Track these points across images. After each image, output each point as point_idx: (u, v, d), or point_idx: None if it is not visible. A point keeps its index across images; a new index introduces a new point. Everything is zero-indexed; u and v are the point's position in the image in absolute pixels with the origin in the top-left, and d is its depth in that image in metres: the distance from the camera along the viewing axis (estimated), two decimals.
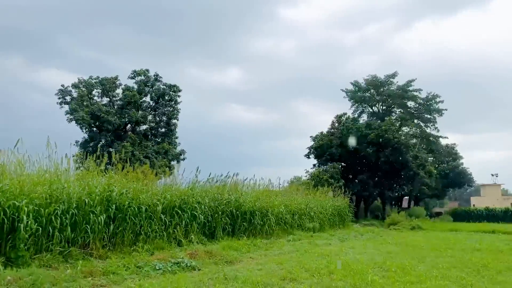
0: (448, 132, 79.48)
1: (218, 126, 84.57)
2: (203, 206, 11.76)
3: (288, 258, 9.84)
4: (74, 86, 30.81)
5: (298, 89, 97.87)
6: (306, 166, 52.86)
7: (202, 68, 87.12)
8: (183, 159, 32.89)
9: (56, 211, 7.88)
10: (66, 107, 29.86)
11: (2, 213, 7.11)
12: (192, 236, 10.98)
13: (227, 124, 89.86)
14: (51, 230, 7.68)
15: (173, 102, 33.25)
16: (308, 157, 33.93)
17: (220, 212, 12.44)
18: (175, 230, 10.67)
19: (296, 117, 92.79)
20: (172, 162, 31.45)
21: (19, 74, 66.58)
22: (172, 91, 32.99)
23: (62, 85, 30.69)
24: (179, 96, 33.39)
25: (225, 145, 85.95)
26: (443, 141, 40.80)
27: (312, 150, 33.36)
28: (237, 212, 13.17)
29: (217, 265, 8.54)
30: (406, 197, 40.84)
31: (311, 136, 34.04)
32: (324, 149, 31.98)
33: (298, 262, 9.08)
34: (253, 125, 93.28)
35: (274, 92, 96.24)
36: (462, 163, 43.93)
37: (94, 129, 30.56)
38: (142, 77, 32.58)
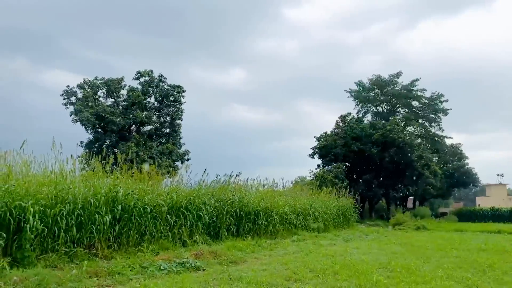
0: (453, 132, 79.23)
1: (222, 126, 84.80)
2: (208, 207, 11.79)
3: (293, 258, 9.83)
4: (79, 87, 30.95)
5: (301, 89, 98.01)
6: (310, 166, 53.10)
7: (205, 69, 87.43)
8: (188, 160, 32.98)
9: (62, 211, 7.93)
10: (71, 108, 30.04)
11: (8, 214, 7.18)
12: (197, 236, 11.00)
13: (231, 124, 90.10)
14: (56, 231, 7.73)
15: (177, 103, 33.33)
16: (313, 157, 33.98)
17: (224, 212, 12.46)
18: (180, 230, 10.70)
19: (300, 117, 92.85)
20: (177, 163, 31.52)
21: (24, 75, 67.20)
22: (176, 92, 33.07)
23: (67, 86, 30.88)
24: (183, 96, 33.47)
25: (229, 145, 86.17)
26: (448, 141, 40.71)
27: (316, 150, 33.35)
28: (242, 212, 13.18)
29: (222, 265, 8.54)
30: (411, 197, 40.64)
31: (315, 136, 34.09)
32: (329, 149, 31.95)
33: (303, 262, 9.07)
34: (256, 125, 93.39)
35: (277, 92, 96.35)
36: (467, 163, 43.67)
37: (99, 129, 30.68)
38: (147, 78, 32.68)
